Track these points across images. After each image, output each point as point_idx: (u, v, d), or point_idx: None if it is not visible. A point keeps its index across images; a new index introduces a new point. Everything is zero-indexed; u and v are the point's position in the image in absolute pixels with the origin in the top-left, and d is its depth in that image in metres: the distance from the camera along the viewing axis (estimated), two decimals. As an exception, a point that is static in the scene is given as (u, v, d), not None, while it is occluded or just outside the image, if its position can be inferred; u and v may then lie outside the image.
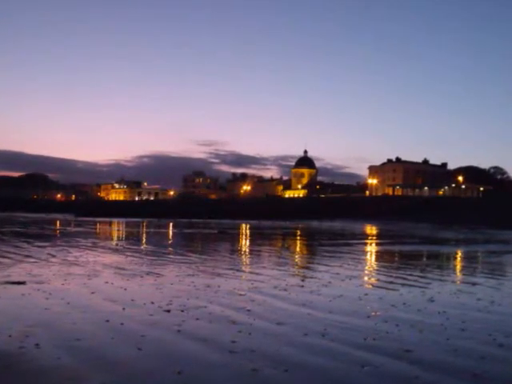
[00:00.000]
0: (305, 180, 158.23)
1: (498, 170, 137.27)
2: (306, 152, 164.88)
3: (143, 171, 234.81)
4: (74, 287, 9.26)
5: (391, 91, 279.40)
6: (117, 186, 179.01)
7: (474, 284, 10.85)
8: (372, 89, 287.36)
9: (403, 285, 10.44)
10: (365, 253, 19.75)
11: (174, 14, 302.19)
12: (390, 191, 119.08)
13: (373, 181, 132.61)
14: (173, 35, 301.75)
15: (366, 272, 12.93)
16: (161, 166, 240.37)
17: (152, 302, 7.83)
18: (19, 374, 4.50)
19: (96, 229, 37.88)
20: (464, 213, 65.67)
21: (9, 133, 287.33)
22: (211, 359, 5.02)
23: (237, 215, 67.87)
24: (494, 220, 54.10)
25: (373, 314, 7.42)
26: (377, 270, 13.46)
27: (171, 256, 15.92)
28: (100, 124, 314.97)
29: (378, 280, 11.25)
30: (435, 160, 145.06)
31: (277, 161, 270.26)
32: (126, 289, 9.19)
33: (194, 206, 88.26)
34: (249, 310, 7.42)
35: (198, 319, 6.78)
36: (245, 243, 24.79)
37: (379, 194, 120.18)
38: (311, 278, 11.38)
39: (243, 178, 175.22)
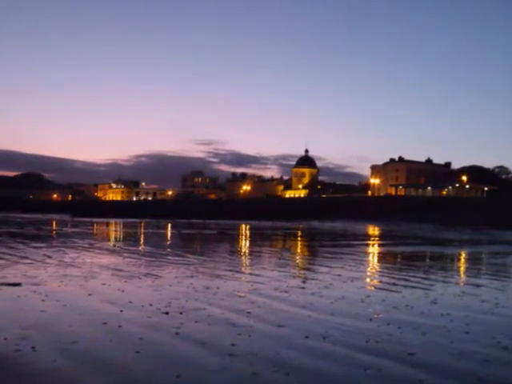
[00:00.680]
0: (306, 180, 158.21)
1: (502, 169, 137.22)
2: (307, 151, 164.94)
3: (141, 171, 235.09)
4: (71, 289, 9.25)
5: (394, 90, 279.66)
6: (114, 185, 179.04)
7: (478, 286, 10.85)
8: (374, 87, 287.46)
9: (406, 286, 10.44)
10: (367, 254, 19.75)
11: (173, 12, 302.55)
12: (392, 191, 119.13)
13: (375, 180, 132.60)
14: (172, 34, 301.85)
15: (368, 273, 12.93)
16: (159, 166, 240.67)
17: (150, 304, 7.83)
18: (15, 378, 4.49)
19: (93, 229, 37.88)
20: (468, 213, 65.67)
21: (4, 132, 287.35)
22: (210, 362, 5.02)
23: (236, 215, 67.89)
24: (499, 220, 54.06)
25: (375, 316, 7.42)
26: (379, 271, 13.46)
27: (170, 257, 15.93)
28: (97, 123, 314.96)
29: (380, 282, 11.25)
30: (438, 159, 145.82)
31: (277, 160, 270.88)
32: (123, 290, 9.19)
33: (193, 207, 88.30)
34: (249, 312, 7.42)
35: (196, 321, 6.77)
36: (244, 244, 24.80)
37: (381, 193, 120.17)
38: (312, 279, 11.38)
39: (243, 177, 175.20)
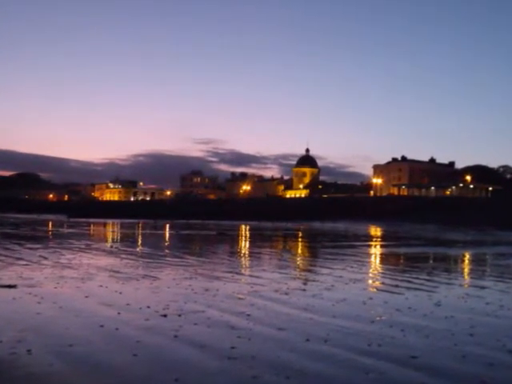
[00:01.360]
0: (307, 179, 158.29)
1: (507, 168, 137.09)
2: (307, 150, 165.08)
3: (139, 170, 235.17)
4: (67, 291, 9.25)
5: (396, 88, 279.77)
6: (111, 185, 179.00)
7: (482, 287, 10.84)
8: (376, 86, 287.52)
9: (409, 288, 10.44)
10: (369, 255, 19.75)
11: (172, 10, 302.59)
12: (395, 191, 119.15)
13: (377, 180, 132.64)
14: (170, 32, 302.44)
15: (371, 275, 12.93)
16: (157, 165, 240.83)
17: (148, 307, 7.83)
18: (10, 381, 4.49)
19: (90, 230, 37.89)
20: (472, 213, 65.67)
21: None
22: (209, 366, 5.01)
23: (236, 216, 67.90)
24: (503, 221, 54.03)
25: (377, 318, 7.41)
26: (381, 272, 13.46)
27: (168, 258, 15.92)
28: (94, 122, 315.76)
29: (382, 283, 11.26)
30: (442, 159, 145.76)
31: (277, 160, 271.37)
32: (121, 292, 9.18)
33: (192, 207, 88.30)
34: (248, 315, 7.41)
35: (195, 324, 6.77)
36: (244, 245, 24.80)
37: (384, 193, 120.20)
38: (313, 281, 11.37)
39: (243, 177, 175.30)
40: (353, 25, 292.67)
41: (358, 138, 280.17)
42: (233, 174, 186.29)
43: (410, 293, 9.85)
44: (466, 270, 15.28)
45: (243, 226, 46.73)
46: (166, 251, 18.90)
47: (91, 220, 57.00)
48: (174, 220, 58.27)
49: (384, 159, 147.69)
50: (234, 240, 28.31)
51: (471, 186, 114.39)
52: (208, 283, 10.51)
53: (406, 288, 10.48)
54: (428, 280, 11.77)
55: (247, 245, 25.05)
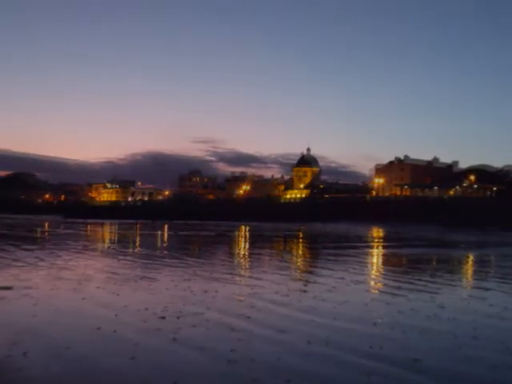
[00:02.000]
0: (307, 179, 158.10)
1: (511, 169, 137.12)
2: (308, 150, 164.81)
3: (137, 170, 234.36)
4: (64, 292, 9.25)
5: (398, 88, 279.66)
6: (109, 185, 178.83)
7: (485, 289, 10.84)
8: (377, 85, 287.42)
9: (411, 290, 10.43)
10: (371, 256, 19.76)
11: (171, 12, 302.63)
12: (397, 191, 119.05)
13: (379, 180, 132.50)
14: (170, 32, 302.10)
15: (372, 276, 12.93)
16: (155, 165, 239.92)
17: (146, 309, 7.82)
18: (6, 385, 4.49)
19: (87, 231, 37.88)
20: (475, 214, 65.66)
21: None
22: (209, 369, 5.01)
23: (236, 216, 67.92)
24: (507, 221, 54.09)
25: (379, 320, 7.41)
26: (383, 274, 13.46)
27: (166, 260, 15.91)
28: (91, 121, 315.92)
29: (384, 285, 11.25)
30: (445, 159, 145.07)
31: (278, 159, 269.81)
32: (118, 294, 9.18)
33: (191, 207, 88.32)
34: (248, 317, 7.41)
35: (194, 326, 6.77)
36: (244, 246, 24.80)
37: (386, 194, 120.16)
38: (314, 282, 11.37)
39: (242, 177, 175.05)
40: (352, 26, 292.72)
41: (360, 138, 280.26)
42: (232, 173, 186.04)
43: (413, 294, 9.84)
44: (469, 272, 15.28)
45: (243, 227, 46.75)
46: (165, 252, 18.90)
47: (88, 221, 57.00)
48: (172, 220, 58.28)
49: (386, 159, 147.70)
50: (234, 241, 28.32)
51: (475, 186, 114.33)
52: (207, 285, 10.51)
53: (409, 290, 10.47)
54: (431, 282, 11.76)
55: (247, 246, 25.05)
